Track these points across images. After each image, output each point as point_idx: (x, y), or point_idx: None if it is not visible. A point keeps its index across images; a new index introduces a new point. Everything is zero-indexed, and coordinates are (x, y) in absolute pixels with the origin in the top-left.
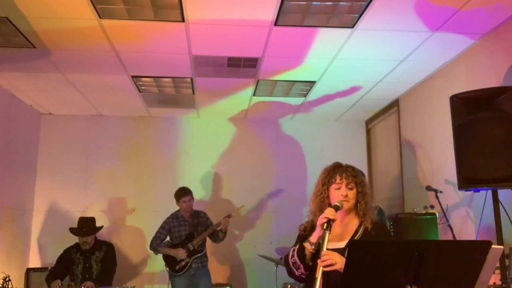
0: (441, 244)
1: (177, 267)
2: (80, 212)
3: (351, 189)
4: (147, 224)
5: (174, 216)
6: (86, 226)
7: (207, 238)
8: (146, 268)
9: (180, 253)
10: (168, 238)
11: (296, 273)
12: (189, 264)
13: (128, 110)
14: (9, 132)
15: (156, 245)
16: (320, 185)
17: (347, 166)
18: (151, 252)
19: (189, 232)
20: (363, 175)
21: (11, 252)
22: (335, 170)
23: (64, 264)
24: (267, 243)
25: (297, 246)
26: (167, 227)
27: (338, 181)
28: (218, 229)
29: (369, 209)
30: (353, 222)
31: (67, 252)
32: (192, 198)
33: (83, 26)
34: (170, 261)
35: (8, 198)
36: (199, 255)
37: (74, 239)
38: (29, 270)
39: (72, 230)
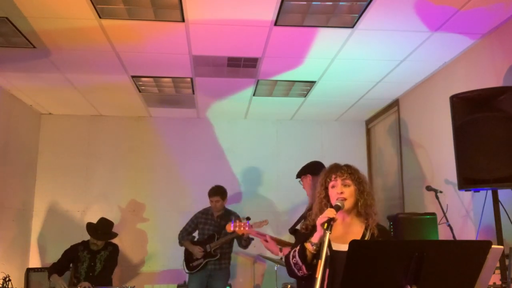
0: (441, 244)
1: (191, 264)
2: (80, 212)
3: (347, 186)
4: (147, 224)
5: (205, 212)
6: (102, 229)
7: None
8: (146, 268)
9: (196, 251)
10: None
11: (298, 274)
12: (201, 264)
13: (128, 110)
14: (9, 132)
15: (181, 237)
16: (319, 187)
17: (344, 165)
18: (151, 252)
19: (211, 233)
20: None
21: (11, 252)
22: (331, 170)
23: (69, 259)
24: None
25: (298, 247)
26: (195, 221)
27: (333, 178)
28: (232, 236)
29: (371, 208)
30: (357, 224)
31: (74, 249)
32: (221, 199)
33: (83, 26)
34: (188, 257)
35: (8, 198)
36: (213, 259)
37: (75, 239)
38: (29, 270)
39: (89, 227)
